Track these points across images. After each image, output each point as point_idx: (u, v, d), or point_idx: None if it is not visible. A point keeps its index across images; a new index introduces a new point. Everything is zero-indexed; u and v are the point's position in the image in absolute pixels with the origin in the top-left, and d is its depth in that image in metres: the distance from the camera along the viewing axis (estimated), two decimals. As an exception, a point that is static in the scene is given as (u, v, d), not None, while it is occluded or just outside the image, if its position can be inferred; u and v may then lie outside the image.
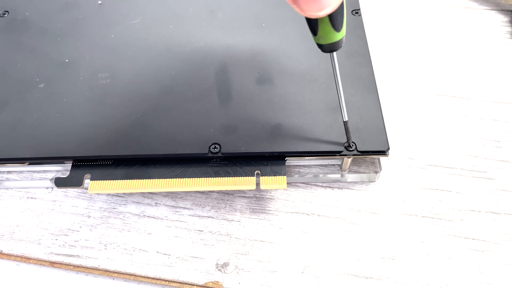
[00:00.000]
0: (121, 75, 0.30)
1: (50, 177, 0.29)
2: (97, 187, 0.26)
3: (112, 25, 0.33)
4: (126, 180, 0.26)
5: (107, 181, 0.26)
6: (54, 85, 0.29)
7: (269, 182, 0.26)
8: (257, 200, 0.28)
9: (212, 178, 0.26)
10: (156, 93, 0.29)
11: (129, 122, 0.27)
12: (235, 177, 0.26)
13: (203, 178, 0.26)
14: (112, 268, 0.26)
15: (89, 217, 0.28)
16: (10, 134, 0.27)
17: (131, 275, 0.26)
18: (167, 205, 0.28)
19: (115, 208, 0.28)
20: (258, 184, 0.26)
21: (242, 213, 0.28)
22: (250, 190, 0.29)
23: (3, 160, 0.26)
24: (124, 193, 0.29)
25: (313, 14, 0.18)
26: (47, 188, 0.29)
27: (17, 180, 0.29)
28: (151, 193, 0.29)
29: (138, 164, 0.27)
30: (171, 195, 0.29)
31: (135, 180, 0.26)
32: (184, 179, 0.26)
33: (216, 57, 0.31)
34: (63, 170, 0.29)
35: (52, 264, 0.27)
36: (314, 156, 0.26)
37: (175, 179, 0.26)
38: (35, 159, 0.26)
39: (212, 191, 0.29)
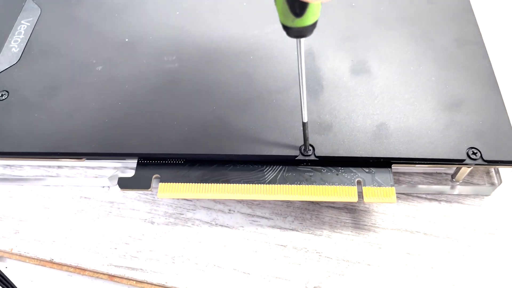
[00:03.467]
0: (190, 59, 0.26)
1: (108, 175, 0.25)
2: (168, 190, 0.22)
3: (176, 1, 0.29)
4: (202, 184, 0.22)
5: (180, 184, 0.22)
6: (113, 68, 0.25)
7: (374, 194, 0.21)
8: (349, 212, 0.24)
9: (304, 185, 0.22)
10: (232, 82, 0.25)
11: (203, 115, 0.23)
12: (333, 186, 0.22)
13: (294, 186, 0.22)
14: (181, 287, 0.22)
15: (152, 223, 0.24)
16: (65, 124, 0.23)
17: (203, 295, 0.22)
18: (242, 213, 0.24)
19: (182, 214, 0.24)
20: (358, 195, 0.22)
21: (331, 227, 0.23)
22: (343, 201, 0.24)
23: (58, 154, 0.23)
24: (165, 198, 0.25)
25: None
26: (103, 187, 0.25)
27: (69, 176, 0.26)
28: (196, 198, 0.25)
29: (216, 165, 0.23)
30: (247, 201, 0.25)
31: (213, 184, 0.22)
32: (272, 185, 0.22)
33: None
34: (121, 166, 0.25)
35: (111, 277, 0.23)
36: (428, 164, 0.22)
37: (260, 185, 0.22)
38: (95, 155, 0.23)
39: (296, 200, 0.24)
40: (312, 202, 0.24)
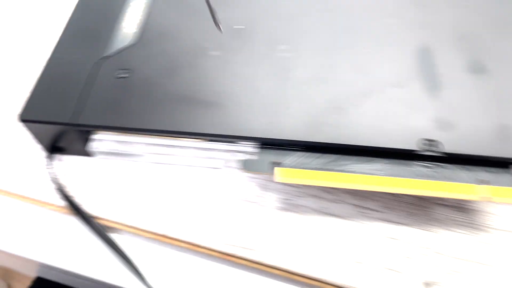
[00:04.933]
0: (303, 48, 0.26)
1: (222, 157, 0.26)
2: (289, 175, 0.22)
3: (287, -10, 0.29)
4: (322, 172, 0.22)
5: (301, 170, 0.22)
6: (228, 54, 0.26)
7: (498, 193, 0.21)
8: (460, 211, 0.24)
9: (424, 180, 0.22)
10: (348, 73, 0.25)
11: (321, 104, 0.24)
12: (453, 183, 0.22)
13: (412, 180, 0.22)
14: (295, 270, 0.23)
15: (262, 205, 0.25)
16: (187, 106, 0.24)
17: (313, 279, 0.23)
18: (350, 203, 0.25)
19: (291, 200, 0.25)
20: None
21: (443, 224, 0.23)
22: (461, 199, 0.24)
23: (180, 133, 0.24)
24: (299, 184, 0.25)
25: None
26: (216, 168, 0.26)
27: (183, 156, 0.26)
28: (318, 185, 0.25)
29: (335, 154, 0.23)
30: (355, 192, 0.25)
31: (333, 172, 0.22)
32: (390, 178, 0.22)
33: (412, 36, 0.26)
34: (234, 150, 0.26)
35: (226, 256, 0.24)
36: (557, 168, 0.22)
37: (379, 176, 0.22)
38: (217, 137, 0.23)
39: (405, 195, 0.25)
40: (423, 198, 0.24)
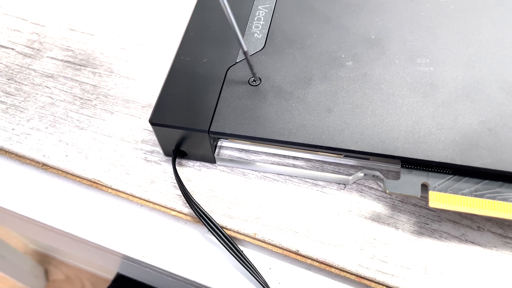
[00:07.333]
0: (444, 63, 0.24)
1: (345, 173, 0.25)
2: (441, 200, 0.21)
3: (417, 0, 0.28)
4: (477, 199, 0.21)
5: (453, 195, 0.21)
6: (364, 65, 0.25)
7: None
8: None
9: None
10: (499, 94, 0.23)
11: (470, 126, 0.22)
12: None
13: None
14: (437, 300, 0.21)
15: (397, 228, 0.23)
16: (325, 118, 0.23)
17: (460, 313, 0.21)
18: (493, 232, 0.23)
19: (427, 224, 0.23)
20: None
21: None
22: None
23: (316, 147, 0.23)
24: (437, 209, 0.24)
25: None
26: (339, 184, 0.25)
27: (304, 169, 0.26)
28: (470, 213, 0.24)
29: (487, 180, 0.21)
30: (497, 220, 0.23)
31: (490, 200, 0.21)
32: (557, 210, 0.20)
33: None
34: (359, 165, 0.25)
35: (359, 278, 0.23)
36: None
37: (545, 208, 0.20)
38: (357, 153, 0.22)
39: (553, 225, 0.23)
40: None
